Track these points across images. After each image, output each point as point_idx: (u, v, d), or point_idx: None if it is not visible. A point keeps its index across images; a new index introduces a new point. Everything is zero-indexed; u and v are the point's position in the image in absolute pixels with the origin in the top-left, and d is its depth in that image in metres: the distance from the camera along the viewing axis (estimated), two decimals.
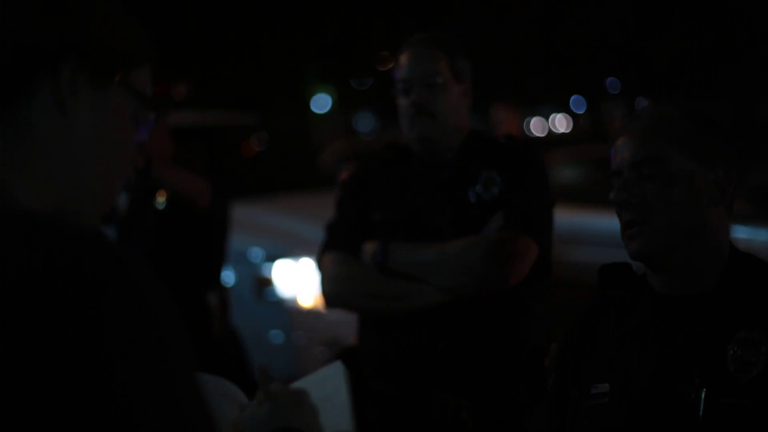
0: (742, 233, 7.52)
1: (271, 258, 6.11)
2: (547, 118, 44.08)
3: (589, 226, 9.02)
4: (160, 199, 4.33)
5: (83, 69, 1.12)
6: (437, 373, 2.81)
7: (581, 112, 36.94)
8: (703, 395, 1.70)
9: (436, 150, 2.94)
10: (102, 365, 0.96)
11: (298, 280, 6.06)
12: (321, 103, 28.76)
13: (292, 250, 6.12)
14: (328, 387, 1.55)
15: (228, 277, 4.59)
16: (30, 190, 1.09)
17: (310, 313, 5.93)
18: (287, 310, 6.05)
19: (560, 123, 44.41)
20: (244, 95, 21.46)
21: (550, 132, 42.66)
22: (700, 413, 1.69)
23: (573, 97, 35.07)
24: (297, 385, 1.59)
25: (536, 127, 42.63)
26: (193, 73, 19.66)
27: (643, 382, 1.77)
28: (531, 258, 2.80)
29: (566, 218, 6.74)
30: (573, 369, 1.91)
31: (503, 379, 2.82)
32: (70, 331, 0.95)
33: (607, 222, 3.82)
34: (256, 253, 6.16)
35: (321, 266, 2.98)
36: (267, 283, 6.09)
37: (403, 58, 2.94)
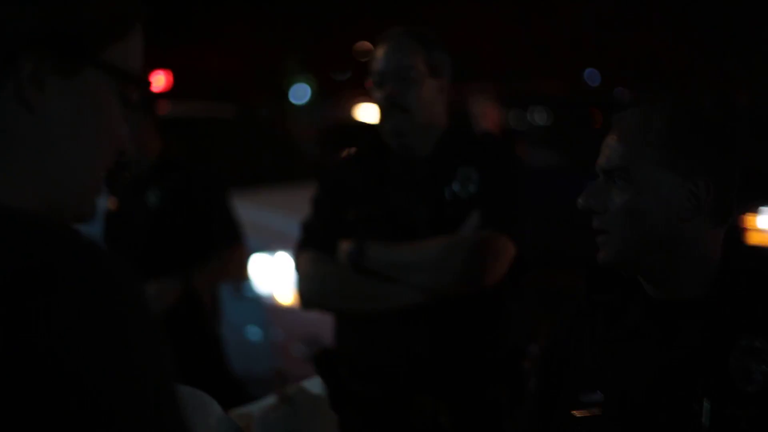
0: None
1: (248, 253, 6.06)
2: (525, 110, 44.09)
3: None
4: (153, 196, 4.26)
5: (47, 59, 1.04)
6: (414, 375, 2.79)
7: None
8: (707, 406, 1.65)
9: (410, 145, 2.91)
10: (59, 374, 0.92)
11: (275, 276, 6.02)
12: (300, 93, 28.64)
13: (269, 244, 6.08)
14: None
15: None
16: (7, 190, 1.03)
17: (288, 310, 5.89)
18: (265, 306, 6.01)
19: (539, 115, 44.49)
20: (222, 86, 21.37)
21: (530, 125, 42.63)
22: (705, 424, 1.64)
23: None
24: (269, 401, 1.53)
25: (514, 119, 42.57)
26: (170, 64, 19.56)
27: (639, 391, 1.72)
28: (508, 257, 2.78)
29: None
30: (558, 376, 1.87)
31: (481, 380, 2.81)
32: (25, 335, 0.92)
33: None
34: None
35: (297, 266, 2.95)
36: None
37: (379, 51, 2.92)
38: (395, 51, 2.89)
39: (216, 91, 19.38)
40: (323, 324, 3.92)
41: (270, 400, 1.50)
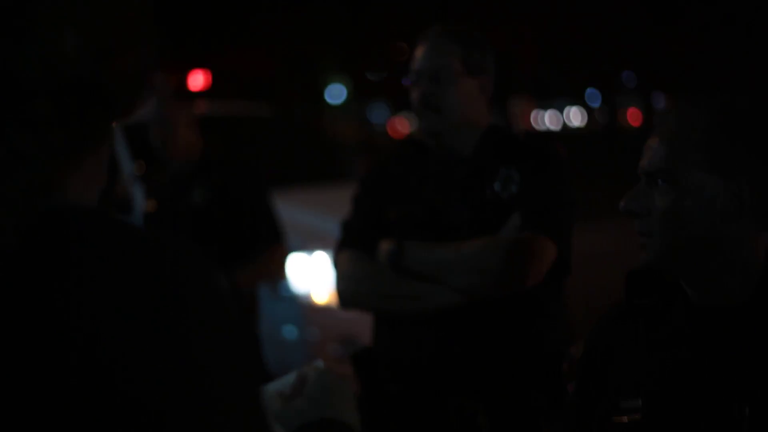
0: None
1: None
2: (561, 111, 44.12)
3: None
4: (197, 195, 4.28)
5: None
6: (453, 376, 2.78)
7: (596, 105, 36.86)
8: (747, 412, 1.63)
9: (448, 144, 2.90)
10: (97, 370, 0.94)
11: (312, 275, 6.03)
12: (335, 93, 28.71)
13: (306, 244, 6.09)
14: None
15: None
16: (85, 194, 1.09)
17: (325, 309, 5.91)
18: (301, 306, 6.03)
19: (575, 116, 44.44)
20: (259, 86, 21.45)
21: (565, 126, 42.70)
22: (746, 431, 1.62)
23: (588, 90, 35.01)
24: (281, 382, 1.52)
25: (549, 119, 42.67)
26: (209, 64, 19.67)
27: (679, 397, 1.70)
28: (549, 259, 2.76)
29: None
30: (598, 379, 1.85)
31: (520, 382, 2.79)
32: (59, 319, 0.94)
33: None
34: None
35: (336, 265, 2.95)
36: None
37: (417, 50, 2.92)
38: (430, 50, 2.89)
39: (253, 91, 19.46)
40: (359, 324, 3.92)
41: (275, 385, 1.48)
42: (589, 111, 40.85)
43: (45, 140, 1.02)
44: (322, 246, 5.95)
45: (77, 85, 1.04)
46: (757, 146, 1.70)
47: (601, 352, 1.86)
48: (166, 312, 0.96)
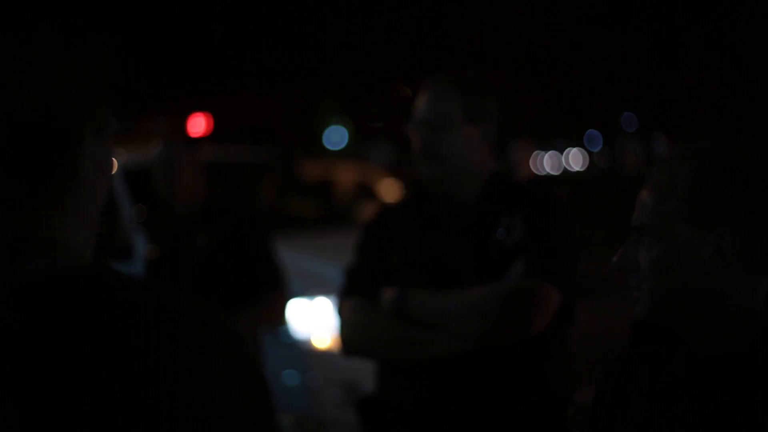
0: None
1: None
2: (561, 153, 44.31)
3: None
4: (201, 241, 4.27)
5: (96, 125, 1.12)
6: (457, 422, 2.77)
7: (596, 150, 36.93)
8: None
9: (449, 192, 2.91)
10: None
11: (313, 320, 6.03)
12: (336, 136, 28.75)
13: (307, 289, 6.10)
14: None
15: None
16: (81, 243, 1.09)
17: (325, 354, 5.90)
18: (302, 351, 6.02)
19: (575, 158, 44.61)
20: (260, 130, 21.55)
21: (565, 170, 42.80)
22: None
23: (588, 132, 35.12)
24: None
25: (549, 162, 42.82)
26: (208, 107, 19.78)
27: None
28: (553, 306, 2.75)
29: None
30: (605, 427, 1.85)
31: (526, 428, 2.78)
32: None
33: None
34: None
35: (340, 313, 2.95)
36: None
37: (419, 99, 2.93)
38: (431, 99, 2.91)
39: (255, 135, 19.55)
40: (360, 369, 3.90)
41: None
42: (590, 153, 40.99)
43: (8, 192, 1.01)
44: (323, 291, 5.95)
45: (29, 131, 1.02)
46: (741, 194, 1.69)
47: (609, 399, 1.86)
48: (172, 371, 0.98)
